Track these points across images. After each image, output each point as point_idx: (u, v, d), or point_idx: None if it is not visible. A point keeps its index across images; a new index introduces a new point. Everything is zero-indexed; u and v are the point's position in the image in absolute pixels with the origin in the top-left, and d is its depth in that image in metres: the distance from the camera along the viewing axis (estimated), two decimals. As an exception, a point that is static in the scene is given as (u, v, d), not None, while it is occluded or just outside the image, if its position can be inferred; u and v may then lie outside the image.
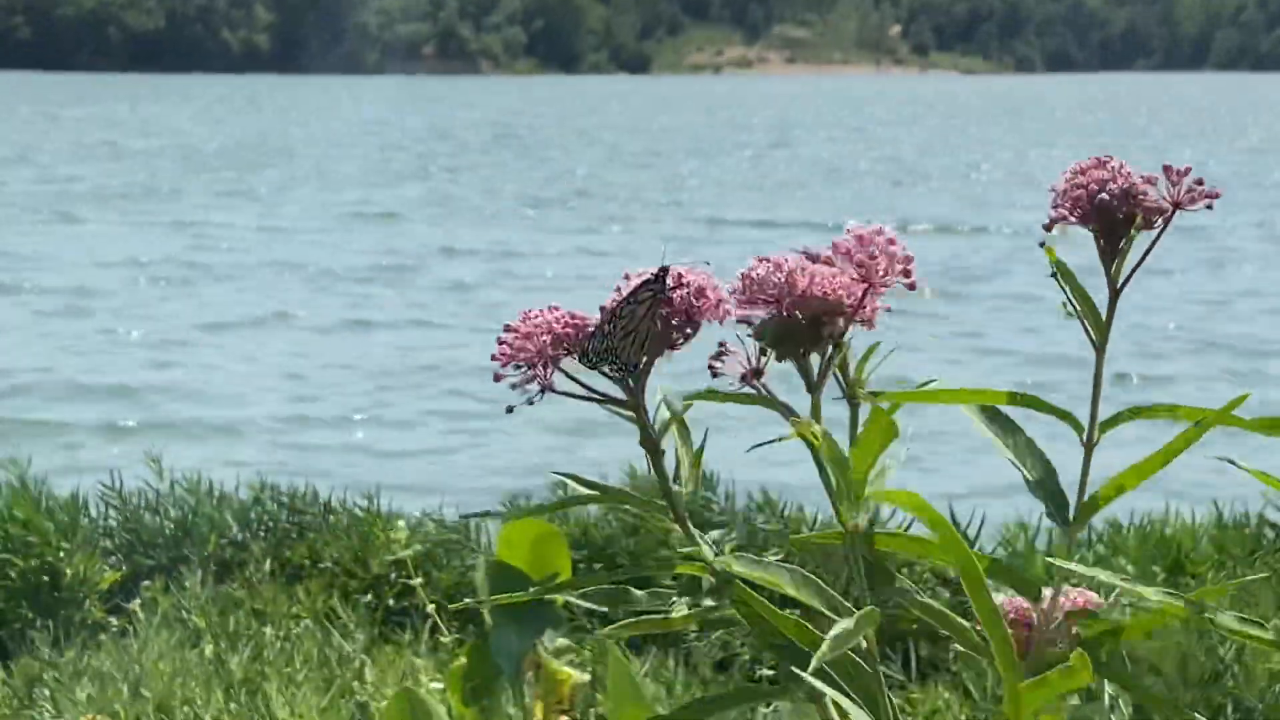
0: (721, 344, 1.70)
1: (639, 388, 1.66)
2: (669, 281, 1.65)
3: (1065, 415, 1.85)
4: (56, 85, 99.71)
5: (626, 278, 1.68)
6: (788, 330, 1.66)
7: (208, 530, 4.30)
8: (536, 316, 1.65)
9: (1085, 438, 1.85)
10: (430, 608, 3.58)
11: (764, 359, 1.68)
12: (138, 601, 3.95)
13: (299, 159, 41.27)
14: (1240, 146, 47.78)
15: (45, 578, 4.09)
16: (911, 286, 1.66)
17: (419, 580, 3.66)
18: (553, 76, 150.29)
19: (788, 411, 1.68)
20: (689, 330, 1.66)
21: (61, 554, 4.12)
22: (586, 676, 2.84)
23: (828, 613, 1.65)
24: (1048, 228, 1.82)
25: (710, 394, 1.72)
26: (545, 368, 1.62)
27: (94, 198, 30.53)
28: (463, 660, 2.64)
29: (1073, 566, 1.73)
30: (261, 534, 4.35)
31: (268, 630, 3.74)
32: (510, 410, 1.63)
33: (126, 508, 4.39)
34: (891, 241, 1.66)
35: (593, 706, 3.20)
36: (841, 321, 1.66)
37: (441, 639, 3.67)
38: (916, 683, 3.69)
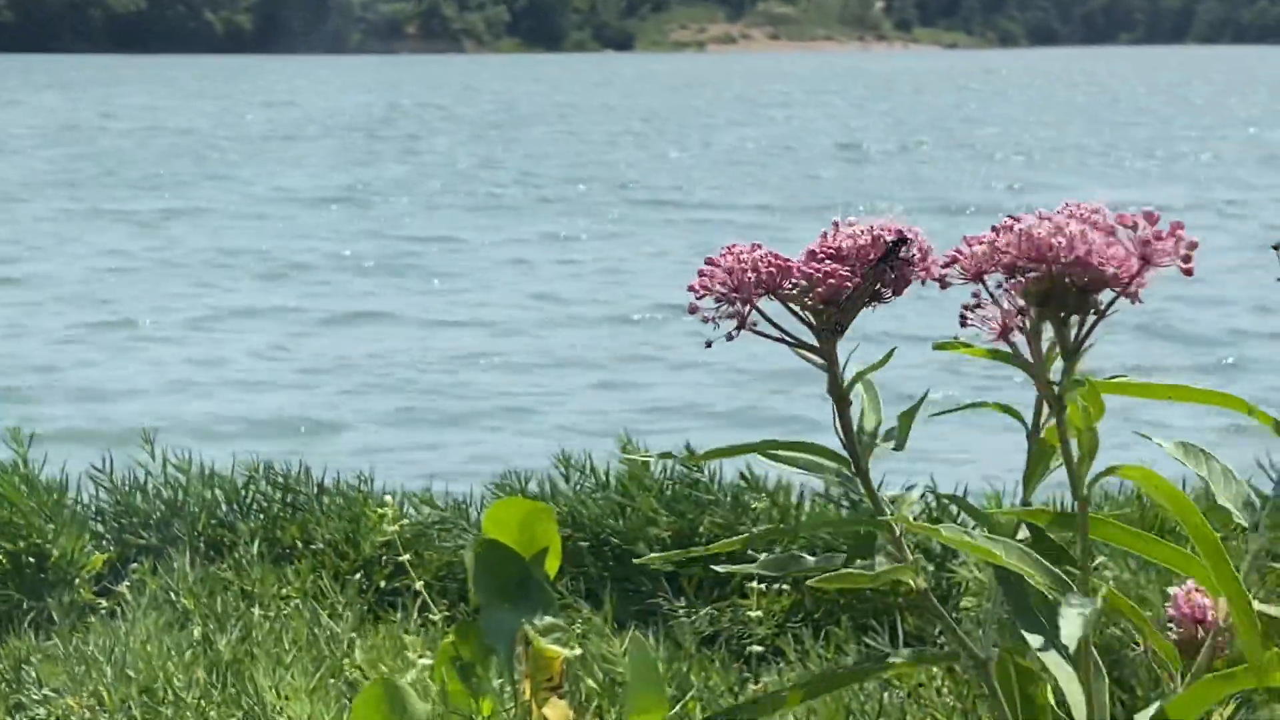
0: (975, 294, 1.68)
1: (835, 335, 1.64)
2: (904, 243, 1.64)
3: (1276, 424, 1.87)
4: (35, 67, 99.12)
5: (835, 225, 1.66)
6: (1057, 291, 1.62)
7: (199, 510, 4.29)
8: (741, 252, 1.62)
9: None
10: (419, 585, 3.59)
11: (1019, 317, 1.64)
12: (126, 583, 3.95)
13: (255, 144, 41.06)
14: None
15: (32, 559, 4.09)
16: (1189, 272, 1.62)
17: (407, 556, 3.66)
18: (536, 55, 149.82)
19: (1041, 374, 1.65)
20: (904, 287, 1.66)
21: (50, 535, 4.11)
22: (577, 652, 2.85)
23: (1039, 579, 1.62)
24: None
25: (959, 345, 1.70)
26: (745, 305, 1.60)
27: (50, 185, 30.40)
28: (452, 638, 2.64)
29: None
30: (256, 513, 4.34)
31: (256, 611, 3.74)
32: (709, 345, 1.61)
33: (118, 489, 4.38)
34: (1178, 225, 1.63)
35: (581, 684, 3.21)
36: (1108, 292, 1.63)
37: (431, 617, 3.68)
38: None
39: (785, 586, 3.82)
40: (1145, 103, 59.94)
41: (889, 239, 1.64)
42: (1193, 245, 1.61)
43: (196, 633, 3.59)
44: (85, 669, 3.36)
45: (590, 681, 3.26)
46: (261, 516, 4.32)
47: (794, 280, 1.62)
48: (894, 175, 32.41)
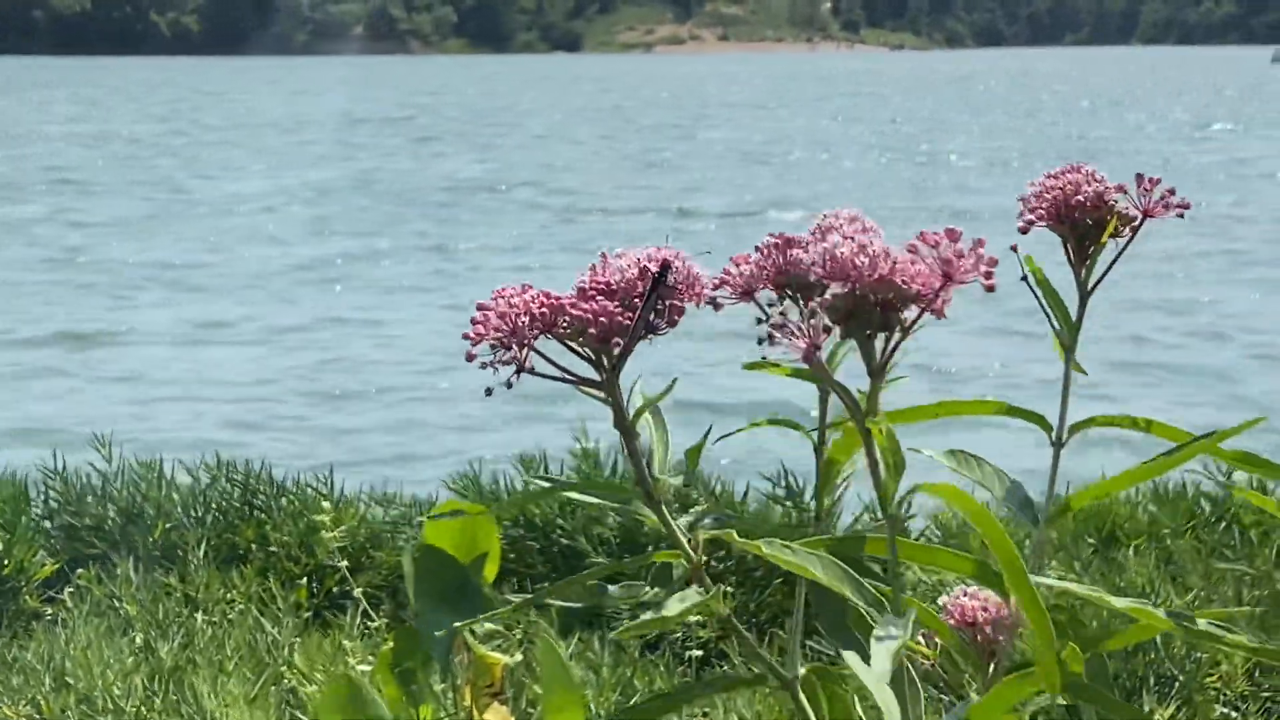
0: (781, 313, 1.65)
1: (615, 372, 1.62)
2: (669, 271, 1.63)
3: (1038, 419, 1.93)
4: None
5: (604, 258, 1.65)
6: (860, 309, 1.62)
7: (154, 515, 4.25)
8: (512, 295, 1.60)
9: (1054, 438, 1.90)
10: (357, 592, 3.57)
11: (825, 335, 1.61)
12: (69, 590, 3.92)
13: (193, 150, 40.82)
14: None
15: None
16: (990, 289, 1.63)
17: (344, 563, 3.65)
18: (483, 55, 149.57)
19: (846, 394, 1.65)
20: (676, 317, 1.64)
21: (1, 547, 4.06)
22: (518, 659, 2.84)
23: (855, 598, 1.64)
24: (1023, 231, 1.84)
25: (767, 365, 1.70)
26: (521, 348, 1.58)
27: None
28: (391, 644, 2.63)
29: (1047, 581, 1.77)
30: (215, 514, 4.30)
31: (199, 617, 3.72)
32: (489, 393, 1.57)
33: (71, 491, 4.33)
34: (980, 243, 1.64)
35: (524, 690, 3.20)
36: (913, 310, 1.63)
37: (370, 623, 3.66)
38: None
39: (729, 589, 3.82)
40: (1088, 104, 60.27)
41: (654, 270, 1.63)
42: (993, 262, 1.63)
43: (138, 640, 3.56)
44: (24, 678, 3.33)
45: (538, 688, 3.25)
46: (221, 519, 4.29)
47: (567, 319, 1.61)
48: (824, 178, 32.51)
